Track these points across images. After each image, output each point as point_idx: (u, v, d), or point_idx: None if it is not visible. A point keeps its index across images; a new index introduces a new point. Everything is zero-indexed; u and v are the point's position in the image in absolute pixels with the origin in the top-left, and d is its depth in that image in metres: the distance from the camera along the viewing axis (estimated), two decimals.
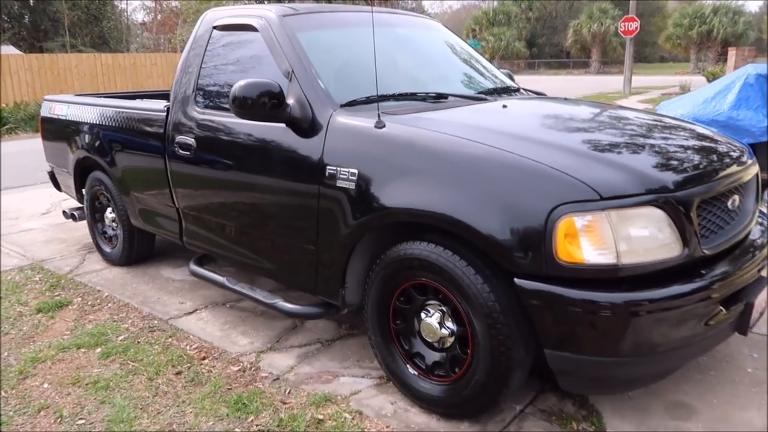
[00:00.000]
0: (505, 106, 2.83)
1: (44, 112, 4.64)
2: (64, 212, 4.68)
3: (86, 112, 4.09)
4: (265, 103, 2.51)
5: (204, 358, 2.89)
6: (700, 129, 2.74)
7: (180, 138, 3.20)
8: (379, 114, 2.39)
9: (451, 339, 2.27)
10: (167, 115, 3.34)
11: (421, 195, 2.18)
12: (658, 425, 2.26)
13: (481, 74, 3.49)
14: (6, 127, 13.67)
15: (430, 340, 2.34)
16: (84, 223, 4.59)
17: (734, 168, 2.30)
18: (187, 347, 3.01)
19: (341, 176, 2.42)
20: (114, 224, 4.20)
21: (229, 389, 2.60)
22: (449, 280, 2.14)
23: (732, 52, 17.21)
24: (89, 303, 3.61)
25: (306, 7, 3.11)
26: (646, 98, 18.19)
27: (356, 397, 2.52)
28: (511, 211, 1.98)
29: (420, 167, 2.23)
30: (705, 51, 42.35)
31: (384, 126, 2.36)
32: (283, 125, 2.64)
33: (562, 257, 1.90)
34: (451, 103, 2.85)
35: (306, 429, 2.29)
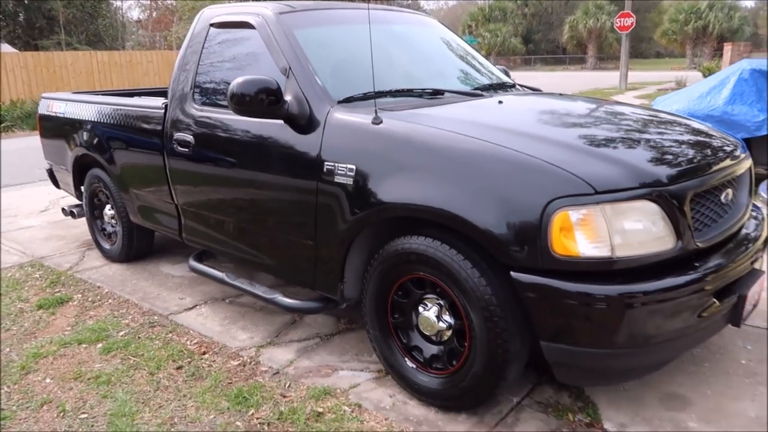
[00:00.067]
0: (500, 102, 2.86)
1: (42, 110, 4.65)
2: (63, 209, 4.70)
3: (84, 109, 4.10)
4: (262, 99, 2.53)
5: (204, 353, 2.92)
6: (695, 124, 2.77)
7: (178, 135, 3.22)
8: (376, 110, 2.41)
9: (449, 332, 2.30)
10: (165, 113, 3.36)
11: (419, 190, 2.20)
12: (653, 416, 2.30)
13: (477, 70, 3.51)
14: (3, 125, 13.65)
15: (427, 334, 2.37)
16: (83, 220, 4.61)
17: (727, 162, 2.33)
18: (188, 342, 3.03)
19: (339, 172, 2.44)
20: (113, 221, 4.21)
21: (229, 383, 2.63)
22: (446, 274, 2.17)
23: (727, 48, 17.25)
24: (89, 299, 3.63)
25: (302, 5, 3.13)
26: (642, 94, 18.23)
27: (355, 390, 2.55)
28: (507, 205, 2.01)
29: (417, 163, 2.25)
30: (701, 46, 42.40)
31: (381, 122, 2.38)
32: (280, 122, 2.66)
33: (557, 250, 1.93)
34: (448, 99, 2.88)
35: (306, 422, 2.32)
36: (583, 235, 1.92)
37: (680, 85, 17.38)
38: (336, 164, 2.45)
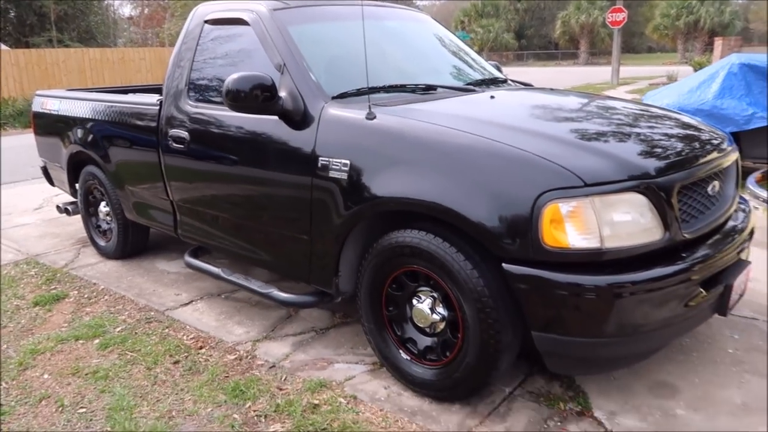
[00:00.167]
0: (492, 97, 2.89)
1: (36, 107, 4.65)
2: (57, 207, 4.71)
3: (79, 107, 4.11)
4: (257, 95, 2.56)
5: (201, 348, 2.94)
6: (683, 118, 2.82)
7: (173, 132, 3.24)
8: (369, 105, 2.45)
9: (442, 324, 2.34)
10: (160, 109, 3.38)
11: (412, 184, 2.24)
12: (642, 404, 2.35)
13: (470, 66, 3.55)
14: None
15: (421, 326, 2.41)
16: (77, 217, 4.62)
17: (714, 155, 2.38)
18: (184, 337, 3.06)
19: (333, 167, 2.47)
20: (108, 218, 4.23)
21: (226, 377, 2.66)
22: (440, 267, 2.21)
23: (718, 42, 17.37)
24: (86, 296, 3.65)
25: (296, 1, 3.15)
26: (633, 89, 18.31)
27: (351, 382, 2.58)
28: (499, 198, 2.05)
29: (410, 157, 2.29)
30: (692, 41, 42.56)
31: (375, 117, 2.42)
32: (275, 118, 2.68)
33: (548, 242, 1.97)
34: (440, 94, 2.91)
35: (302, 413, 2.36)
36: (573, 226, 1.96)
37: (671, 79, 17.47)
38: (330, 159, 2.49)
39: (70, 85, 15.84)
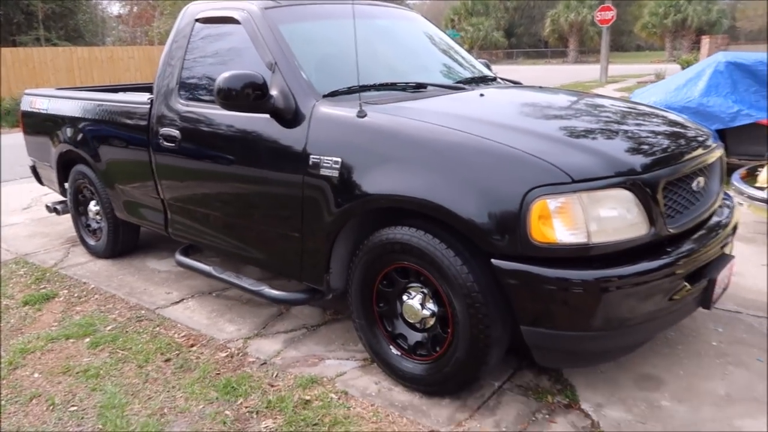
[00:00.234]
0: (482, 95, 2.92)
1: (25, 106, 4.63)
2: (47, 206, 4.69)
3: (68, 105, 4.10)
4: (249, 94, 2.57)
5: (192, 346, 2.95)
6: (670, 115, 2.86)
7: (164, 130, 3.24)
8: (360, 104, 2.47)
9: (432, 319, 2.37)
10: (151, 108, 3.38)
11: (403, 181, 2.26)
12: (628, 396, 2.39)
13: (460, 64, 3.57)
14: None
15: (412, 321, 2.44)
16: (66, 217, 4.61)
17: (699, 152, 2.42)
18: (175, 335, 3.07)
19: (325, 165, 2.49)
20: (98, 217, 4.22)
21: (217, 374, 2.67)
22: (430, 263, 2.23)
23: (705, 41, 17.55)
24: (76, 295, 3.65)
25: (287, 0, 3.16)
26: (621, 87, 18.44)
27: (342, 378, 2.61)
28: (488, 195, 2.08)
29: (401, 155, 2.31)
30: (680, 39, 42.92)
31: (366, 115, 2.44)
32: (267, 116, 2.70)
33: (536, 238, 2.00)
34: (431, 92, 2.94)
35: (294, 409, 2.38)
36: (561, 222, 1.99)
37: (659, 77, 17.59)
38: (321, 157, 2.50)
39: (59, 84, 15.68)
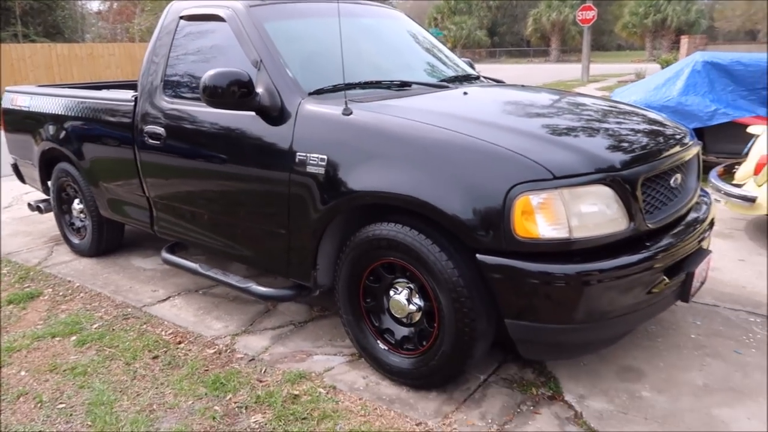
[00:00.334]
0: (466, 93, 2.97)
1: (6, 104, 4.58)
2: (29, 204, 4.64)
3: (51, 103, 4.07)
4: (234, 91, 2.58)
5: (180, 343, 2.96)
6: (649, 114, 2.93)
7: (149, 128, 3.24)
8: (346, 101, 2.49)
9: (419, 314, 2.41)
10: (135, 105, 3.37)
11: (388, 178, 2.30)
12: (609, 387, 2.45)
13: (443, 63, 3.62)
14: None
15: (398, 316, 2.48)
16: (49, 215, 4.57)
17: (676, 149, 2.49)
18: (163, 333, 3.07)
19: (311, 162, 2.51)
20: (82, 215, 4.20)
21: (206, 370, 2.69)
22: (416, 258, 2.27)
23: (684, 40, 17.81)
24: (60, 293, 3.63)
25: None
26: (602, 86, 18.66)
27: (330, 373, 2.63)
28: (472, 191, 2.12)
29: (386, 152, 2.35)
30: (660, 39, 43.52)
31: (351, 113, 2.46)
32: (252, 113, 2.71)
33: (519, 233, 2.05)
34: (415, 90, 2.97)
35: (283, 404, 2.40)
36: (543, 218, 2.04)
37: (639, 77, 17.83)
38: (307, 155, 2.53)
39: (38, 81, 15.44)
